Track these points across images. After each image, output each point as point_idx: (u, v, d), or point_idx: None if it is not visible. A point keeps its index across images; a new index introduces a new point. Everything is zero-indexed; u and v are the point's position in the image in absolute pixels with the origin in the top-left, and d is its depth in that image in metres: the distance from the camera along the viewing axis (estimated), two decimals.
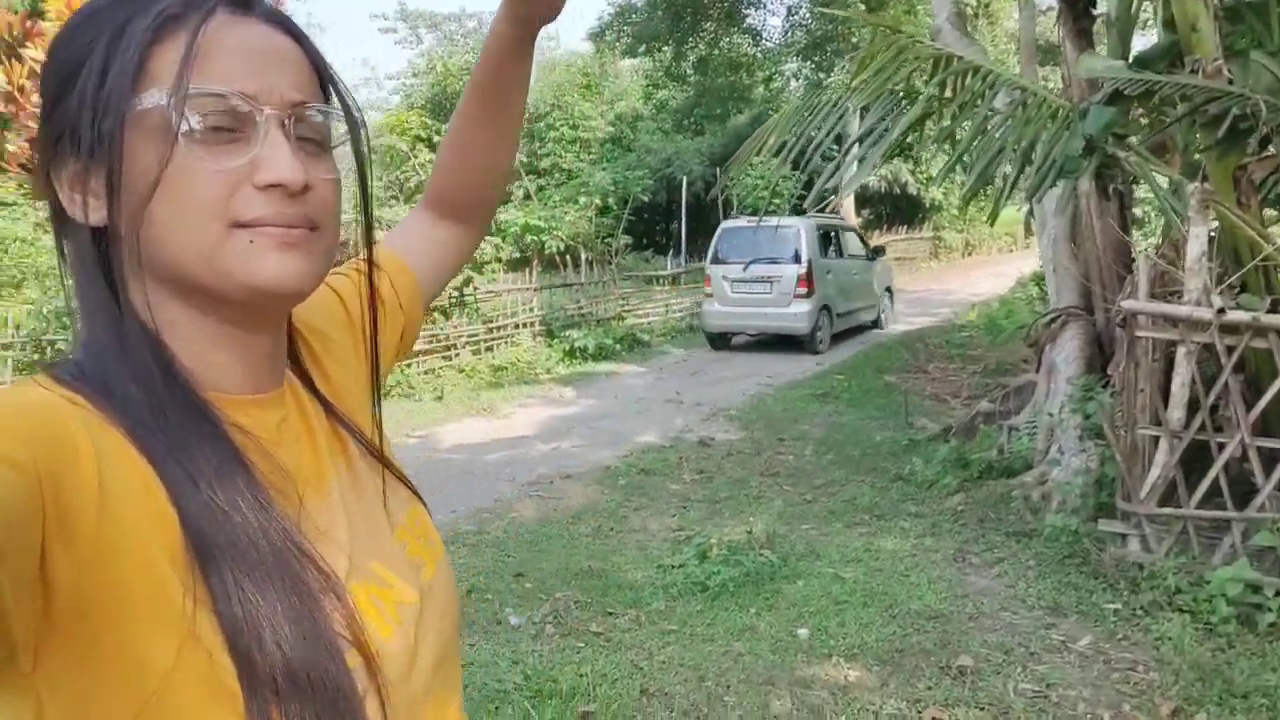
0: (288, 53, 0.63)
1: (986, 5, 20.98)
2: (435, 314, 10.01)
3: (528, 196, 16.72)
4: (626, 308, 13.12)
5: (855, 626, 3.61)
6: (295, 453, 0.67)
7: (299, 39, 0.65)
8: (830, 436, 6.94)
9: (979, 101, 4.80)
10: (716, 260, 11.60)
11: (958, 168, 5.24)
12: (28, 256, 9.97)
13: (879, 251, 13.83)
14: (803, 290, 10.98)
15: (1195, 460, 3.97)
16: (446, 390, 9.06)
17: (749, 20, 20.99)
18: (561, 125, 21.66)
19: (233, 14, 0.61)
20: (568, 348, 11.10)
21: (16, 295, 9.34)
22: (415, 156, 14.01)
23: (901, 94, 5.02)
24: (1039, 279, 9.43)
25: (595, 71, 23.89)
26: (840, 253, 12.30)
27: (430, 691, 0.69)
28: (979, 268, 22.97)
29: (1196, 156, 4.38)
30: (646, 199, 20.08)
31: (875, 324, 13.24)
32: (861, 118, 5.31)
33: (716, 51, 21.15)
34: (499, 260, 11.44)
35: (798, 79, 22.88)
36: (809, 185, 6.33)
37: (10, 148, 4.01)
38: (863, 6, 17.08)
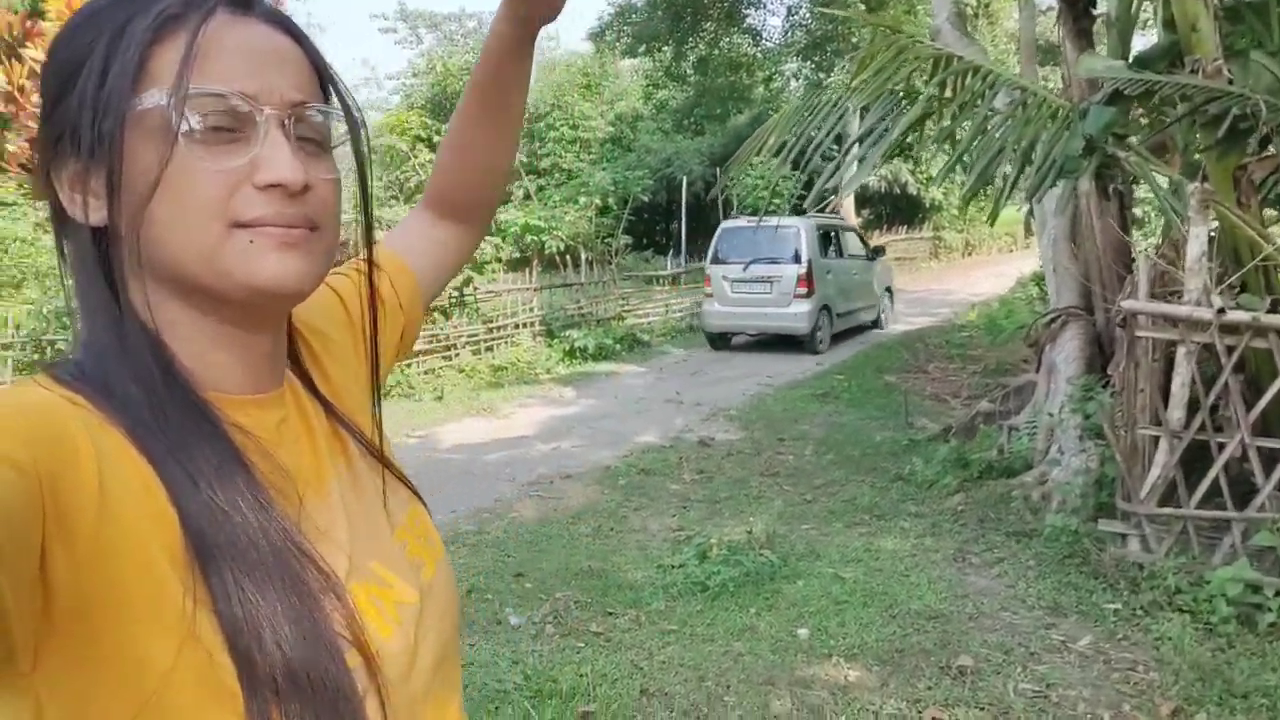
0: (288, 53, 0.63)
1: (986, 5, 20.98)
2: (435, 314, 10.01)
3: (528, 196, 16.72)
4: (626, 308, 13.12)
5: (855, 626, 3.62)
6: (295, 453, 0.67)
7: (298, 39, 0.65)
8: (830, 436, 6.94)
9: (979, 101, 4.80)
10: (717, 260, 11.61)
11: (958, 168, 5.24)
12: (28, 256, 9.97)
13: (879, 251, 13.83)
14: (803, 290, 10.98)
15: (1195, 460, 3.97)
16: (446, 390, 9.06)
17: (749, 20, 21.00)
18: (561, 125, 21.67)
19: (233, 14, 0.61)
20: (568, 348, 11.10)
21: (16, 295, 9.34)
22: (415, 156, 14.00)
23: (901, 94, 5.02)
24: (1039, 279, 9.44)
25: (595, 71, 23.89)
26: (840, 253, 12.30)
27: (430, 691, 0.69)
28: (979, 268, 22.97)
29: (1196, 156, 4.38)
30: (646, 199, 20.08)
31: (875, 324, 13.25)
32: (861, 118, 5.31)
33: (716, 51, 21.15)
34: (499, 260, 11.44)
35: (798, 79, 22.89)
36: (809, 185, 6.33)
37: (10, 148, 4.01)
38: (863, 6, 17.09)
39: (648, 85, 25.29)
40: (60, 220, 0.62)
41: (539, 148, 21.44)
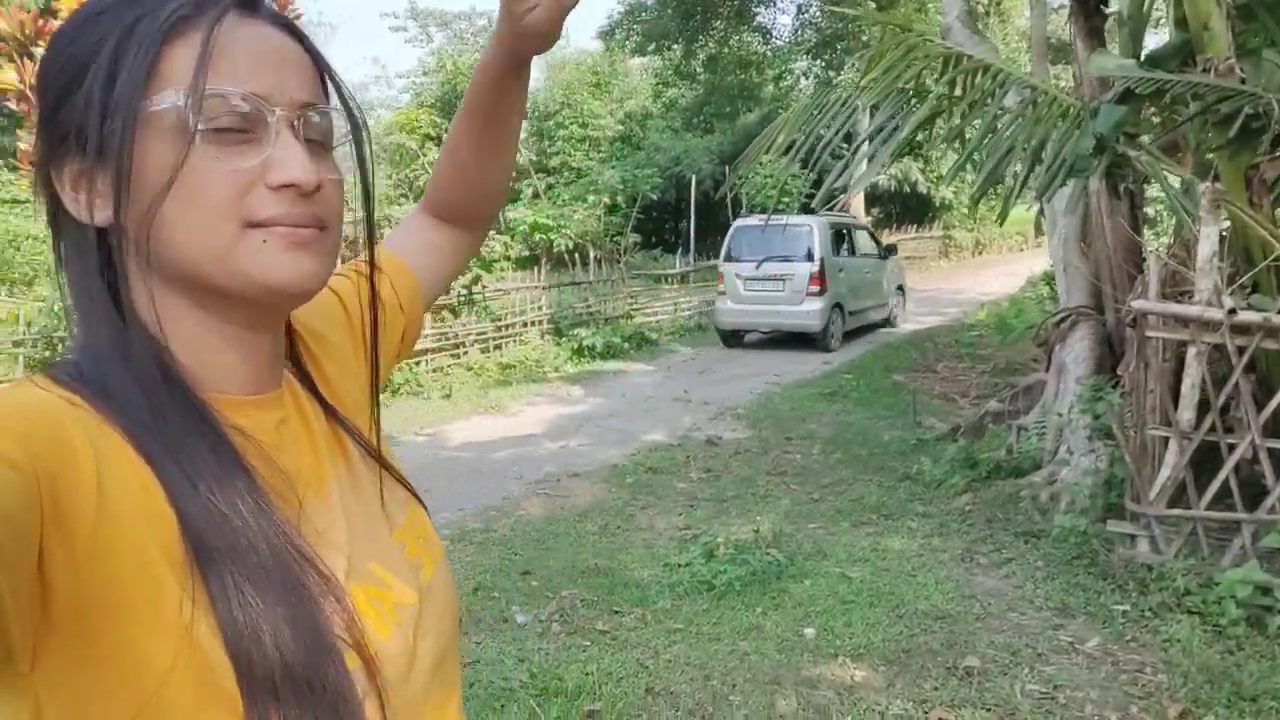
0: (293, 54, 0.64)
1: (998, 3, 20.88)
2: (444, 312, 10.04)
3: (536, 195, 16.74)
4: (635, 306, 13.12)
5: (862, 626, 3.61)
6: (294, 454, 0.67)
7: (301, 40, 0.65)
8: (838, 436, 6.93)
9: (989, 100, 4.78)
10: (729, 258, 11.64)
11: (968, 166, 5.22)
12: (40, 254, 10.05)
13: (891, 250, 13.82)
14: (815, 288, 11.01)
15: (1205, 461, 3.94)
16: (455, 388, 9.07)
17: (759, 18, 20.92)
18: (571, 123, 21.67)
19: (241, 15, 0.61)
20: (576, 346, 11.11)
21: (29, 292, 9.41)
22: (424, 155, 14.04)
23: (911, 92, 5.01)
24: (1049, 278, 9.40)
25: (605, 70, 23.87)
26: (853, 251, 12.32)
27: (430, 692, 0.69)
28: (989, 267, 22.88)
29: (1208, 156, 4.35)
30: (655, 197, 20.06)
31: (887, 322, 13.25)
32: (871, 116, 5.30)
33: (726, 50, 21.10)
34: (508, 258, 11.46)
35: (808, 77, 22.79)
36: (818, 184, 6.32)
37: (23, 145, 4.03)
38: (873, 5, 17.01)
39: (657, 83, 25.25)
40: (58, 219, 0.63)
41: (548, 146, 21.45)
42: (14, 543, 0.47)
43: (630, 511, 5.26)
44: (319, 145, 0.64)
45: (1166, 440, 3.94)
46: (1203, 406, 3.89)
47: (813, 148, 5.19)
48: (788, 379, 9.42)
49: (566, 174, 20.82)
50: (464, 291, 10.05)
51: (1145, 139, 4.58)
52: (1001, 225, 9.38)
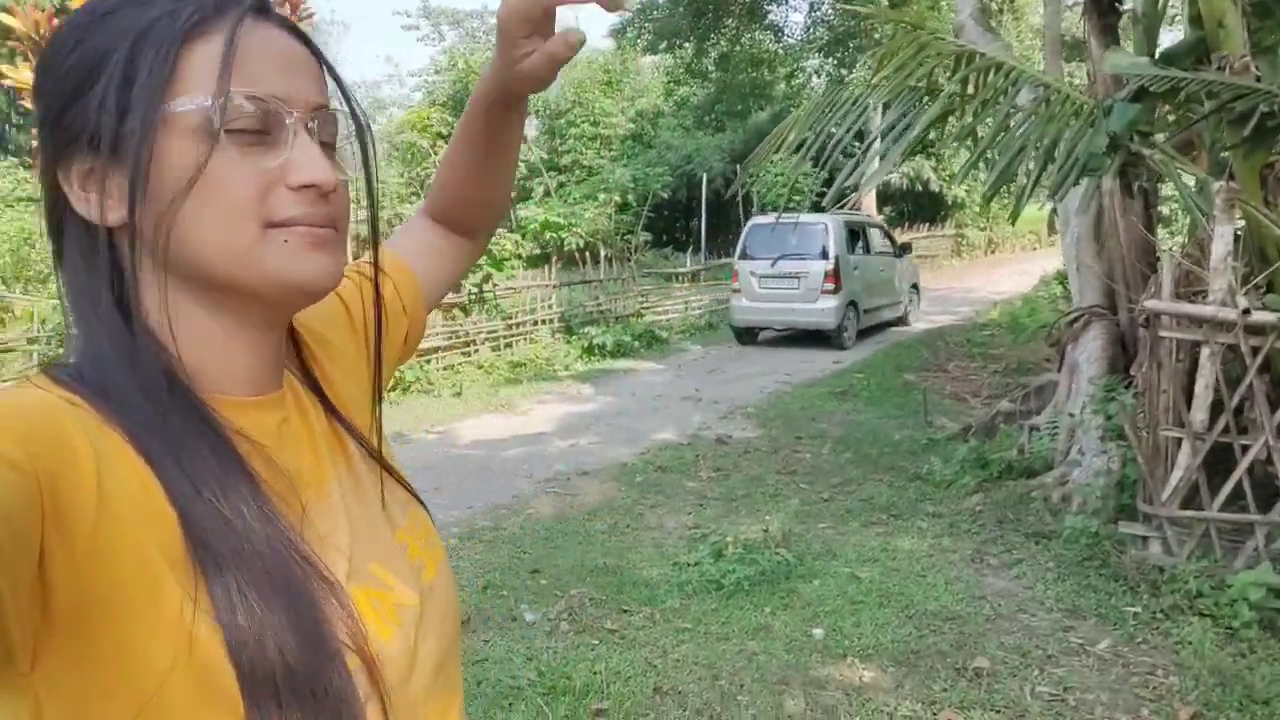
0: (302, 56, 0.64)
1: (1011, 1, 20.77)
2: (455, 310, 10.07)
3: (548, 193, 16.76)
4: (645, 305, 13.12)
5: (871, 627, 3.60)
6: (295, 454, 0.67)
7: (307, 43, 0.66)
8: (848, 435, 6.91)
9: (1002, 98, 4.75)
10: (745, 256, 11.66)
11: (980, 165, 5.19)
12: None
13: (906, 248, 13.81)
14: (830, 286, 11.03)
15: (1218, 462, 3.91)
16: (465, 386, 9.10)
17: (771, 16, 20.88)
18: (582, 122, 21.69)
19: (255, 19, 0.62)
20: (586, 344, 11.12)
21: (44, 289, 9.48)
22: (435, 153, 14.07)
23: (923, 90, 4.98)
24: (1062, 277, 9.34)
25: (616, 68, 23.88)
26: (867, 249, 12.32)
27: (431, 694, 0.69)
28: (1002, 265, 22.79)
29: (1223, 154, 4.32)
30: (666, 196, 20.07)
31: (900, 320, 13.23)
32: (883, 114, 5.27)
33: (738, 48, 21.06)
34: (518, 257, 11.48)
35: (819, 75, 22.74)
36: (829, 182, 6.30)
37: (37, 144, 4.06)
38: (885, 2, 16.96)
39: (669, 82, 25.25)
40: (62, 219, 0.63)
41: (559, 144, 21.49)
42: (14, 542, 0.47)
43: (639, 510, 5.26)
44: (329, 147, 0.65)
45: (1179, 441, 3.92)
46: (1216, 407, 3.86)
47: (824, 146, 5.17)
48: (798, 378, 9.40)
49: (578, 172, 20.85)
50: (475, 290, 10.07)
51: (1159, 137, 4.54)
52: (1014, 224, 9.33)
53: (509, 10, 0.70)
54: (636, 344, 11.61)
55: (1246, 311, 3.76)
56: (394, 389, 8.69)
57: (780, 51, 22.08)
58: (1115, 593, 3.83)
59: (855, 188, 5.82)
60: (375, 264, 0.77)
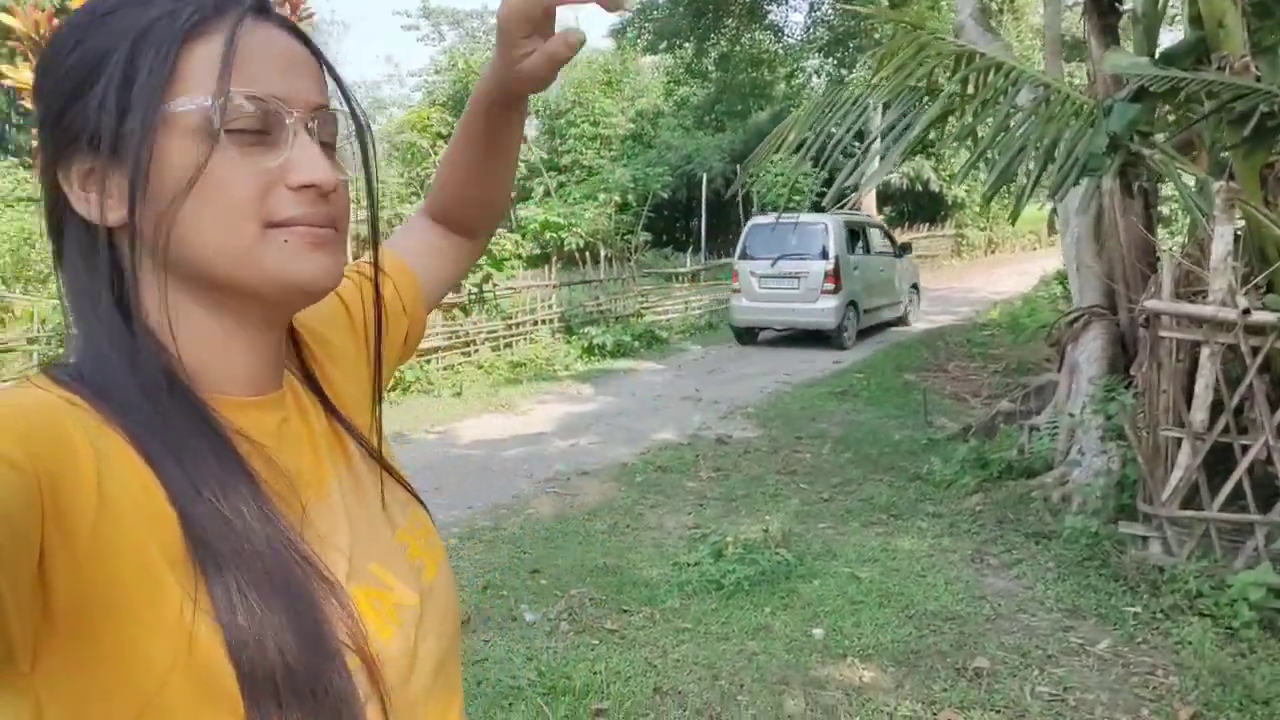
0: (302, 56, 0.64)
1: (1011, 0, 20.77)
2: (455, 310, 10.07)
3: (547, 193, 16.76)
4: (645, 305, 13.12)
5: (871, 627, 3.60)
6: (295, 454, 0.67)
7: (307, 43, 0.66)
8: (848, 435, 6.91)
9: (1002, 98, 4.75)
10: (745, 256, 11.67)
11: (980, 165, 5.19)
12: None
13: (906, 248, 13.82)
14: (830, 286, 11.04)
15: (1218, 463, 3.91)
16: (465, 386, 9.10)
17: (771, 16, 20.88)
18: (582, 122, 21.69)
19: (254, 19, 0.62)
20: (586, 344, 11.12)
21: (44, 290, 9.48)
22: (435, 153, 14.08)
23: (923, 90, 4.98)
24: (1062, 277, 9.34)
25: (616, 68, 23.88)
26: (867, 249, 12.33)
27: (431, 695, 0.69)
28: (1002, 265, 22.78)
29: (1223, 154, 4.31)
30: (666, 196, 20.07)
31: (901, 320, 13.24)
32: (883, 114, 5.27)
33: (738, 48, 21.06)
34: (518, 257, 11.48)
35: (819, 75, 22.75)
36: (829, 182, 6.30)
37: (37, 144, 4.06)
38: (885, 2, 16.96)
39: (669, 82, 25.24)
40: (62, 220, 0.62)
41: (559, 144, 21.48)
42: (14, 542, 0.47)
43: (639, 510, 5.26)
44: (328, 147, 0.65)
45: (1179, 441, 3.92)
46: (1216, 407, 3.86)
47: (824, 146, 5.17)
48: (798, 378, 9.40)
49: (577, 172, 20.85)
50: (475, 289, 10.07)
51: (1159, 137, 4.54)
52: (1014, 224, 9.33)
53: (509, 10, 0.70)
54: (636, 344, 11.61)
55: (1246, 311, 3.76)
56: (394, 389, 8.69)
57: (780, 51, 22.08)
58: (1115, 593, 3.83)
59: (855, 188, 5.82)
60: (375, 264, 0.77)
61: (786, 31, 21.93)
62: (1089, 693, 3.09)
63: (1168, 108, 4.71)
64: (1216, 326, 3.83)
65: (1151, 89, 3.95)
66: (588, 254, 13.29)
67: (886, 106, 5.09)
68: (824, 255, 11.12)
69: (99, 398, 0.57)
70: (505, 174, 0.90)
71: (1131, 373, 4.89)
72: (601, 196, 16.17)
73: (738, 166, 16.51)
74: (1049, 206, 6.47)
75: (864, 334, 12.00)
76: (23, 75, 3.82)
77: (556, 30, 0.72)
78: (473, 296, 10.15)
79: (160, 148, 0.58)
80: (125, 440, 0.56)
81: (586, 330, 11.42)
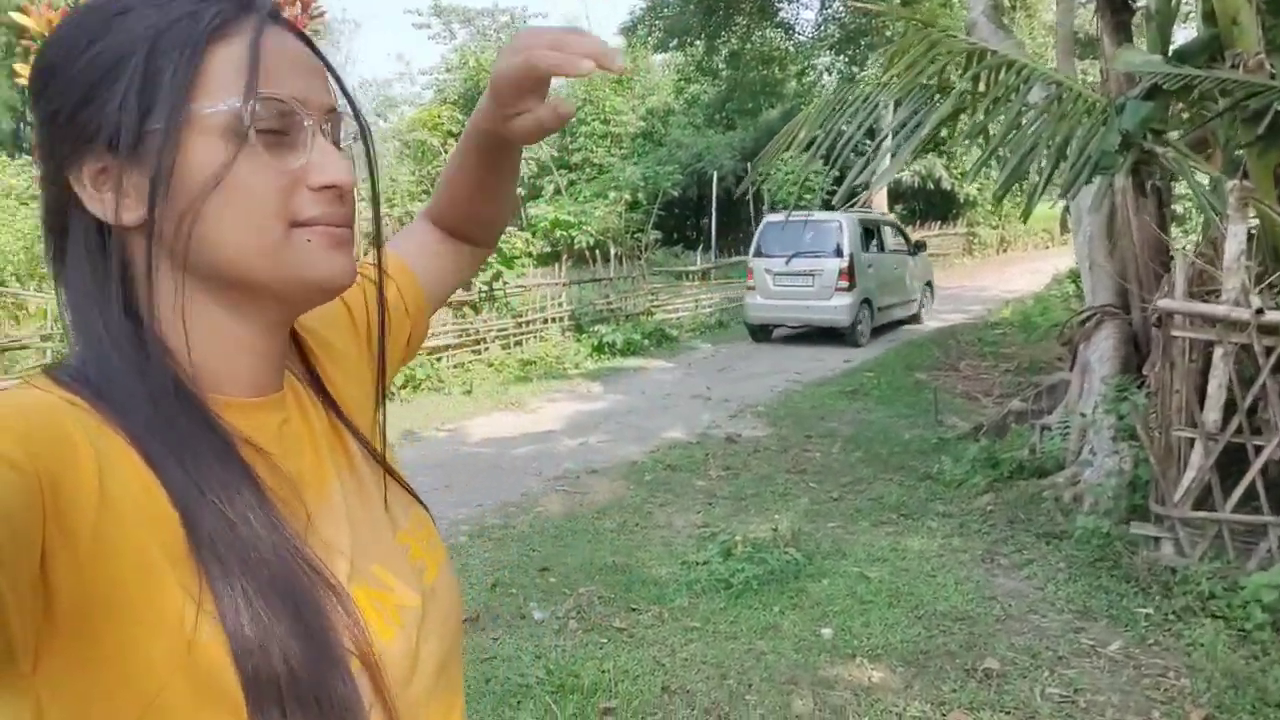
0: (313, 60, 0.65)
1: None
2: (465, 308, 10.09)
3: (558, 191, 16.78)
4: (655, 303, 13.12)
5: (880, 627, 3.59)
6: (297, 455, 0.68)
7: (311, 47, 0.66)
8: (858, 434, 6.89)
9: (1013, 96, 4.73)
10: (759, 253, 11.71)
11: (992, 163, 5.17)
12: None
13: (920, 246, 13.79)
14: (844, 284, 11.06)
15: (1231, 463, 3.88)
16: (475, 384, 9.12)
17: (782, 14, 20.85)
18: (593, 120, 21.67)
19: (272, 23, 0.63)
20: (596, 343, 11.13)
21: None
22: (446, 151, 14.11)
23: (935, 88, 4.96)
24: (1074, 276, 9.28)
25: (627, 66, 23.83)
26: (881, 247, 12.33)
27: (433, 696, 0.69)
28: (1014, 264, 22.66)
29: (1237, 153, 4.28)
30: (677, 194, 20.05)
31: (914, 318, 13.22)
32: (894, 112, 5.25)
33: (749, 46, 21.04)
34: (529, 255, 11.50)
35: (830, 73, 22.69)
36: (840, 180, 6.28)
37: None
38: (897, 0, 16.90)
39: (679, 80, 25.22)
40: (68, 219, 0.62)
41: (570, 142, 21.47)
42: (15, 543, 0.47)
43: (649, 509, 5.26)
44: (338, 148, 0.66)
45: (1192, 441, 3.89)
46: (1229, 407, 3.83)
47: (835, 144, 5.15)
48: (809, 376, 9.38)
49: (588, 170, 20.84)
50: (485, 288, 10.09)
51: (1173, 135, 4.51)
52: (1026, 222, 9.28)
53: (501, 76, 0.70)
54: (646, 342, 11.62)
55: (1260, 311, 3.73)
56: (404, 386, 8.72)
57: (791, 49, 22.05)
58: (1127, 594, 3.81)
59: (866, 186, 5.80)
60: (380, 266, 0.77)
61: (797, 29, 21.90)
62: (1100, 694, 3.08)
63: (1181, 105, 4.68)
64: (1230, 326, 3.80)
65: (1165, 87, 3.92)
66: (598, 252, 13.30)
67: (898, 104, 5.07)
68: (838, 253, 11.13)
69: (99, 398, 0.58)
70: (504, 196, 0.91)
71: (1144, 372, 4.86)
72: (612, 194, 16.17)
73: (748, 165, 16.49)
74: (1061, 205, 6.43)
75: (877, 332, 11.99)
76: None
77: (550, 96, 0.72)
78: (483, 294, 10.17)
79: (185, 147, 0.58)
80: (126, 441, 0.56)
81: (596, 328, 11.43)
